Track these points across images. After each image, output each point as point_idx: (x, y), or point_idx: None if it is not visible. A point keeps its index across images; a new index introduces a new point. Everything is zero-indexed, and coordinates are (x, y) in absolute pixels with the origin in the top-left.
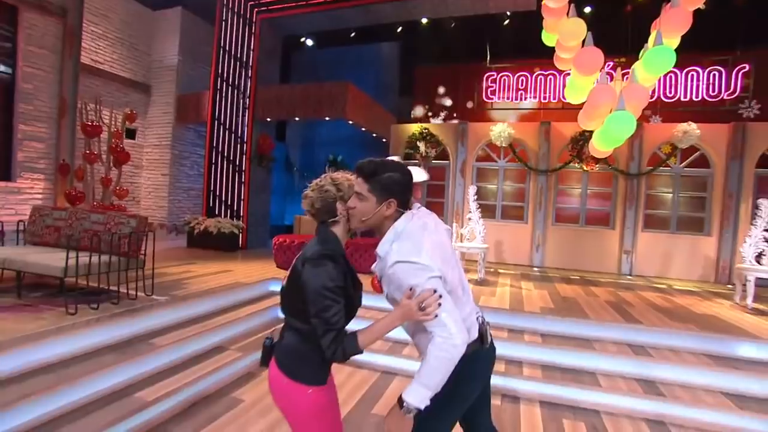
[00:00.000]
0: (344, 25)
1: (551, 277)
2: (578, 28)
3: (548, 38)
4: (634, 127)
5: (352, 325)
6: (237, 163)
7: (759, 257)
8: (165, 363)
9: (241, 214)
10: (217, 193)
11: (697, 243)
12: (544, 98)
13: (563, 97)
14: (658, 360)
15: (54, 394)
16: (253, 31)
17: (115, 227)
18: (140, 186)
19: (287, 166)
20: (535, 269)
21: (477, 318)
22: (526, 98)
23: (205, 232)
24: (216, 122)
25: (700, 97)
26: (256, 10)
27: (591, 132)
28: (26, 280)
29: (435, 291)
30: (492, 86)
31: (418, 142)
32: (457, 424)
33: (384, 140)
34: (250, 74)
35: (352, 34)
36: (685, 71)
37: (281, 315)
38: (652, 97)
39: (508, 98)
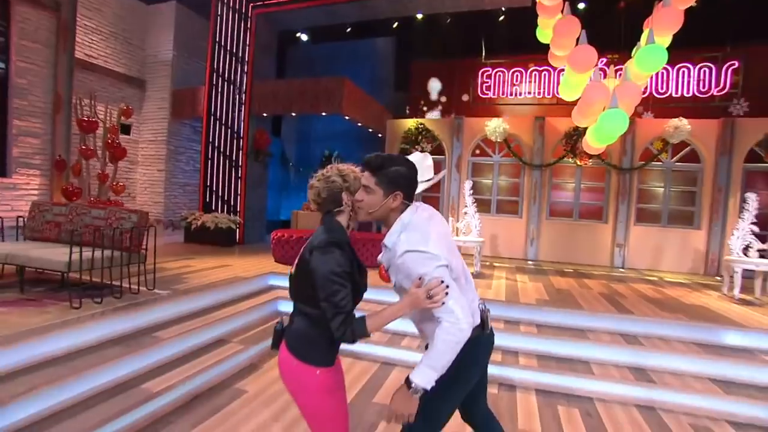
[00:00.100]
0: (340, 20)
1: (545, 270)
2: (573, 27)
3: (543, 35)
4: (627, 124)
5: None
6: (233, 158)
7: (746, 249)
8: (169, 355)
9: (238, 209)
10: (214, 189)
11: (687, 236)
12: (539, 93)
13: (557, 92)
14: (649, 348)
15: (62, 385)
16: (248, 26)
17: (116, 222)
18: (136, 182)
19: (283, 161)
20: (530, 262)
21: (478, 305)
22: (521, 93)
23: (203, 228)
24: (212, 117)
25: (691, 93)
26: (251, 4)
27: (585, 127)
28: (26, 275)
29: (442, 281)
30: (487, 82)
31: (414, 137)
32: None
33: (380, 135)
34: (246, 69)
35: (348, 30)
36: (676, 68)
37: (280, 309)
38: (644, 93)
39: (503, 93)
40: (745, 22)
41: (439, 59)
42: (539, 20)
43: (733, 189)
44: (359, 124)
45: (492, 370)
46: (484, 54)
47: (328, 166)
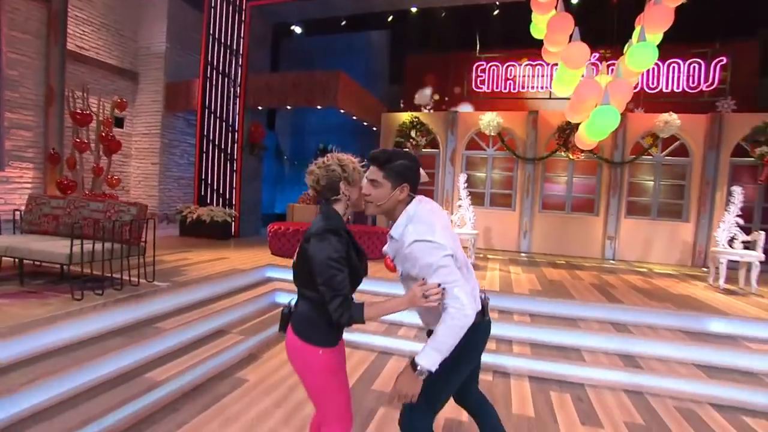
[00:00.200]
0: (334, 13)
1: (538, 261)
2: (567, 24)
3: (537, 31)
4: (618, 121)
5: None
6: (228, 151)
7: (731, 241)
8: (170, 346)
9: (233, 202)
10: (209, 182)
11: (676, 229)
12: (532, 88)
13: (551, 87)
14: (637, 336)
15: (66, 375)
16: (242, 18)
17: (115, 215)
18: (129, 175)
19: (277, 154)
20: (523, 254)
21: (479, 293)
22: (515, 87)
23: (198, 221)
24: (206, 110)
25: (680, 89)
26: None
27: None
28: (24, 268)
29: (439, 284)
30: (481, 76)
31: (408, 131)
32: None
33: (374, 129)
34: (240, 62)
35: (343, 23)
36: (666, 63)
37: (278, 300)
38: (635, 88)
39: (497, 87)
40: (732, 19)
41: (434, 53)
42: (533, 16)
43: (720, 182)
44: (354, 118)
45: (487, 358)
46: (478, 48)
47: (329, 155)
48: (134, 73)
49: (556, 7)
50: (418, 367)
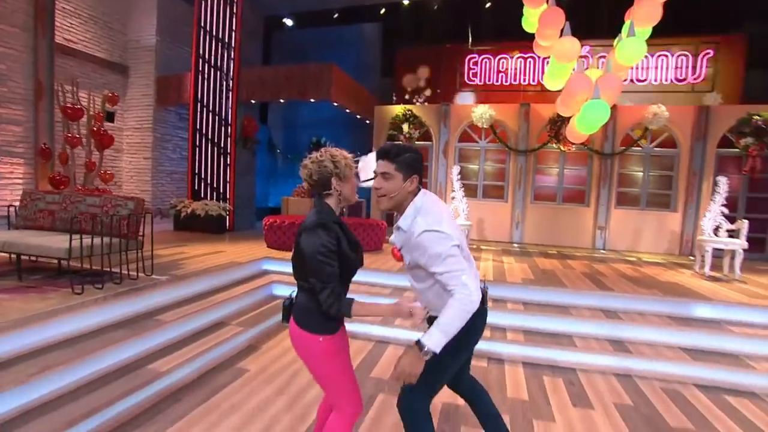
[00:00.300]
0: (326, 6)
1: (530, 252)
2: (558, 18)
3: (528, 25)
4: (608, 115)
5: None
6: (222, 145)
7: (716, 230)
8: (171, 338)
9: (228, 196)
10: (202, 176)
11: (664, 218)
12: (524, 80)
13: (542, 79)
14: (626, 322)
15: (71, 367)
16: (234, 11)
17: (112, 209)
18: (122, 170)
19: (270, 148)
20: (515, 245)
21: (479, 282)
22: (506, 80)
23: (193, 215)
24: (199, 104)
25: (669, 81)
26: None
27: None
28: (21, 263)
29: (424, 308)
30: (474, 68)
31: (401, 124)
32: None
33: (367, 122)
34: (232, 55)
35: (335, 15)
36: (655, 56)
37: (275, 293)
38: (625, 80)
39: (489, 80)
40: (719, 11)
41: (426, 45)
42: (525, 10)
43: (706, 173)
44: (347, 111)
45: (482, 345)
46: (470, 41)
47: (323, 149)
48: (124, 66)
49: (547, 2)
50: (425, 348)
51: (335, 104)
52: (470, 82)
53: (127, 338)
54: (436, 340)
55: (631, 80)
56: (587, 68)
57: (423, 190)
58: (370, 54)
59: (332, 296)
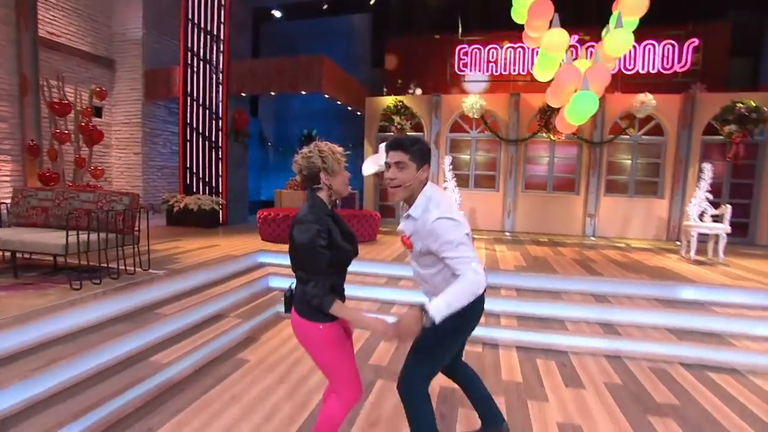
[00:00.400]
0: None
1: (522, 240)
2: (547, 10)
3: (518, 16)
4: (597, 105)
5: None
6: (213, 139)
7: (701, 215)
8: (171, 331)
9: (220, 190)
10: (194, 171)
11: (651, 205)
12: (514, 70)
13: (532, 69)
14: (616, 306)
15: (76, 360)
16: (222, 2)
17: (107, 205)
18: (111, 166)
19: (261, 141)
20: (507, 234)
21: None
22: (497, 70)
23: (185, 210)
24: (189, 98)
25: (656, 70)
26: None
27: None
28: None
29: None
30: (464, 59)
31: (393, 115)
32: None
33: (359, 113)
34: (222, 48)
35: (325, 6)
36: (642, 45)
37: (271, 285)
38: (612, 69)
39: (479, 70)
40: (704, 0)
41: (416, 36)
42: (514, 1)
43: (692, 160)
44: (338, 103)
45: (477, 331)
46: (460, 31)
47: (313, 144)
48: (110, 60)
49: None
50: (428, 313)
51: (326, 96)
52: (461, 73)
53: (127, 332)
54: (438, 308)
55: (619, 70)
56: (576, 58)
57: (429, 182)
58: (359, 45)
59: (316, 288)
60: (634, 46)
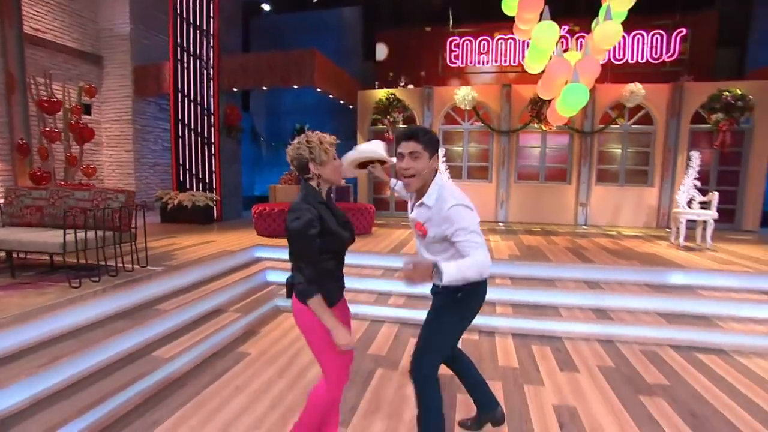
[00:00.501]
0: None
1: (515, 230)
2: (537, 2)
3: (508, 8)
4: (588, 97)
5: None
6: (205, 135)
7: (690, 202)
8: (172, 326)
9: (214, 186)
10: (187, 167)
11: (642, 193)
12: (505, 62)
13: (523, 60)
14: (608, 292)
15: (78, 357)
16: None
17: (103, 203)
18: (102, 164)
19: (253, 136)
20: (501, 224)
21: None
22: (488, 62)
23: (179, 206)
24: (179, 94)
25: (644, 60)
26: None
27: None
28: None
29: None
30: (455, 51)
31: (385, 108)
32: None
33: (351, 107)
34: (212, 43)
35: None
36: (632, 35)
37: (269, 279)
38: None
39: (471, 62)
40: None
41: (407, 28)
42: None
43: (680, 148)
44: (330, 97)
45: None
46: (451, 23)
47: (302, 135)
48: (98, 56)
49: None
50: (439, 269)
51: (318, 90)
52: (452, 65)
53: (128, 328)
54: (449, 270)
55: (609, 60)
56: (566, 50)
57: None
58: (350, 38)
59: (299, 275)
60: (624, 37)
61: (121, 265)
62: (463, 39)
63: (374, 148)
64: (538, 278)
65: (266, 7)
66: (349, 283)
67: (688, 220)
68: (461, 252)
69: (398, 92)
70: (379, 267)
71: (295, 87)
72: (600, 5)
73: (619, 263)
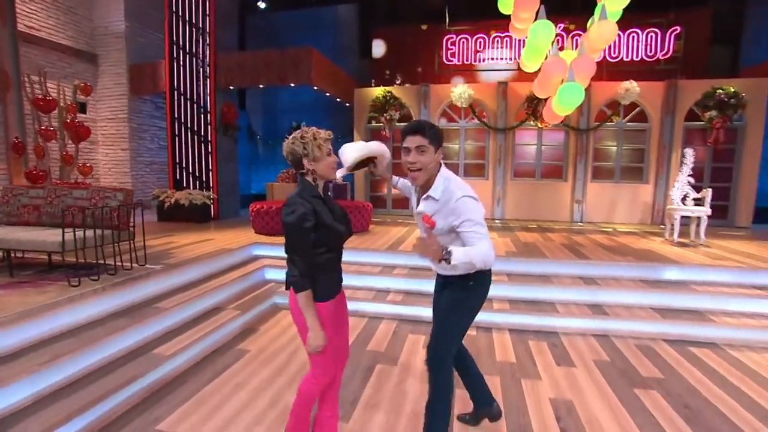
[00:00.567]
0: None
1: (512, 227)
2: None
3: (504, 6)
4: (583, 96)
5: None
6: (202, 133)
7: (684, 199)
8: (171, 324)
9: (211, 184)
10: (184, 165)
11: (637, 190)
12: (501, 59)
13: (519, 58)
14: (603, 287)
15: (80, 355)
16: None
17: (101, 202)
18: (98, 162)
19: (250, 134)
20: (497, 221)
21: None
22: (484, 60)
23: (177, 205)
24: (176, 92)
25: (639, 57)
26: None
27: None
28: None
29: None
30: (452, 49)
31: (382, 106)
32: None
33: (347, 105)
34: (208, 41)
35: None
36: (627, 33)
37: (267, 277)
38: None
39: (467, 60)
40: None
41: (404, 26)
42: None
43: (675, 145)
44: (327, 94)
45: None
46: (447, 21)
47: (298, 131)
48: (93, 54)
49: None
50: (449, 251)
51: (315, 88)
52: (449, 62)
53: (129, 326)
54: (457, 253)
55: (605, 58)
56: (562, 48)
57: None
58: (346, 36)
59: (292, 268)
60: (619, 35)
61: (119, 263)
62: (459, 37)
63: (368, 147)
64: (535, 274)
65: (262, 5)
66: (348, 280)
67: (682, 217)
68: (467, 242)
69: (395, 90)
70: (377, 264)
71: (292, 85)
72: (595, 2)
73: (615, 259)
